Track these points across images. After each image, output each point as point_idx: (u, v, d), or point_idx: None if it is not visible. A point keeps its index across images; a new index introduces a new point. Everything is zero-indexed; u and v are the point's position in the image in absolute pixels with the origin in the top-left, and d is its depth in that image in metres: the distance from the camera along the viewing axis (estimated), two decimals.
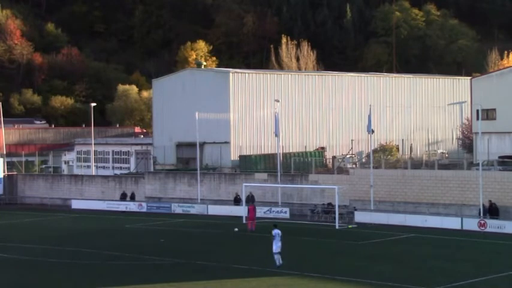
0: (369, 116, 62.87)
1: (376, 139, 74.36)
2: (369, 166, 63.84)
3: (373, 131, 63.09)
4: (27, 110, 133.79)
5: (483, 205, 56.75)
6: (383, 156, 71.70)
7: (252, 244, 51.44)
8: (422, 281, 36.83)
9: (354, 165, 72.66)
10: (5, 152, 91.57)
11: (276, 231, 40.46)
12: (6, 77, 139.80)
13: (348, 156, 76.95)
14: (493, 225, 54.04)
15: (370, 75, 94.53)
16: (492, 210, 56.09)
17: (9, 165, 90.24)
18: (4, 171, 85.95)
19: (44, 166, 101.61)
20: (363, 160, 76.08)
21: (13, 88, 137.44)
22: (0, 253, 47.97)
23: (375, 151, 70.38)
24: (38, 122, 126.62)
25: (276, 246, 40.20)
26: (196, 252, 47.09)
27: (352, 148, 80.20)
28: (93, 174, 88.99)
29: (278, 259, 39.93)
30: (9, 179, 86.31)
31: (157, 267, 42.48)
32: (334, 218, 59.10)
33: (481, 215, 55.44)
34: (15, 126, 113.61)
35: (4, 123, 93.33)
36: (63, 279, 38.64)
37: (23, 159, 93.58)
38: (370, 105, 65.49)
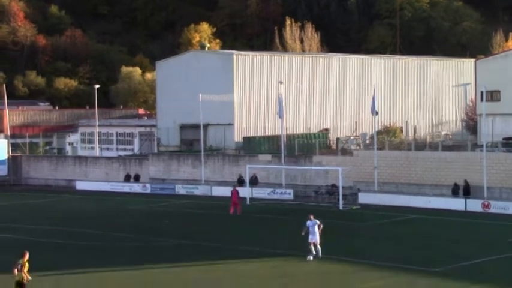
0: (373, 98, 62.80)
1: (380, 121, 74.35)
2: (373, 147, 63.85)
3: (377, 113, 63.06)
4: (31, 92, 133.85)
5: (455, 184, 57.55)
6: (387, 138, 71.66)
7: (256, 225, 51.61)
8: (426, 261, 36.94)
9: (357, 147, 72.66)
10: (9, 134, 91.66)
11: (310, 223, 37.67)
12: (9, 58, 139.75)
13: (351, 137, 76.97)
14: (497, 207, 54.15)
15: (374, 57, 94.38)
16: (465, 190, 57.05)
17: (14, 147, 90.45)
18: (8, 153, 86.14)
19: (48, 148, 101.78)
20: (367, 141, 76.09)
21: (17, 70, 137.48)
22: (5, 234, 48.15)
23: (378, 133, 70.36)
24: (42, 104, 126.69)
25: (308, 237, 37.63)
26: (200, 233, 47.27)
27: (356, 130, 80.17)
28: (97, 155, 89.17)
29: (311, 250, 37.59)
30: (13, 161, 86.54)
31: (161, 248, 42.65)
32: (338, 199, 59.23)
33: (485, 197, 55.56)
34: (19, 108, 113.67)
35: (8, 105, 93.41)
36: (68, 260, 38.81)
37: (27, 140, 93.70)
38: (374, 87, 65.42)
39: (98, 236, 47.13)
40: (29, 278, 29.47)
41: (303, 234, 37.99)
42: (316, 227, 37.63)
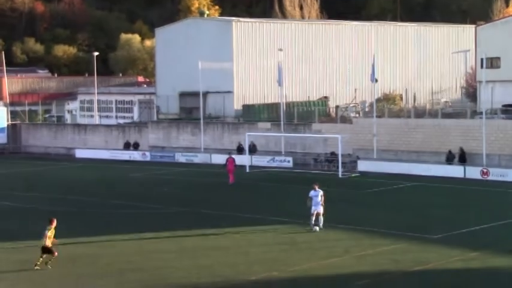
0: (373, 65, 62.62)
1: (379, 88, 74.20)
2: (372, 115, 63.78)
3: (376, 80, 62.93)
4: (30, 59, 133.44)
5: (450, 151, 57.72)
6: (386, 105, 71.63)
7: (255, 193, 51.71)
8: (425, 228, 37.04)
9: (357, 115, 72.63)
10: (8, 102, 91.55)
11: (313, 193, 36.82)
12: (8, 25, 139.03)
13: (351, 105, 76.89)
14: (496, 174, 54.24)
15: (374, 23, 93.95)
16: (460, 157, 57.34)
17: (13, 115, 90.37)
18: (8, 121, 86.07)
19: (47, 115, 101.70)
20: (366, 109, 76.02)
21: (15, 37, 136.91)
22: (5, 201, 48.25)
23: (378, 100, 70.27)
24: (41, 71, 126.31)
25: (311, 208, 36.81)
26: (200, 201, 47.38)
27: (355, 97, 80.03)
28: (97, 123, 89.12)
29: (312, 220, 36.75)
30: (12, 129, 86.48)
31: (160, 216, 42.75)
32: (337, 166, 59.27)
33: (484, 164, 55.62)
34: (18, 76, 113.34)
35: (7, 72, 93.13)
36: (67, 228, 38.85)
37: (26, 108, 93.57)
38: (374, 54, 65.18)
39: (96, 203, 47.24)
40: (49, 243, 30.34)
41: (308, 205, 37.40)
42: (319, 198, 36.97)
